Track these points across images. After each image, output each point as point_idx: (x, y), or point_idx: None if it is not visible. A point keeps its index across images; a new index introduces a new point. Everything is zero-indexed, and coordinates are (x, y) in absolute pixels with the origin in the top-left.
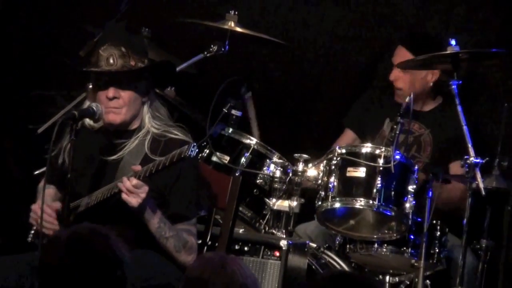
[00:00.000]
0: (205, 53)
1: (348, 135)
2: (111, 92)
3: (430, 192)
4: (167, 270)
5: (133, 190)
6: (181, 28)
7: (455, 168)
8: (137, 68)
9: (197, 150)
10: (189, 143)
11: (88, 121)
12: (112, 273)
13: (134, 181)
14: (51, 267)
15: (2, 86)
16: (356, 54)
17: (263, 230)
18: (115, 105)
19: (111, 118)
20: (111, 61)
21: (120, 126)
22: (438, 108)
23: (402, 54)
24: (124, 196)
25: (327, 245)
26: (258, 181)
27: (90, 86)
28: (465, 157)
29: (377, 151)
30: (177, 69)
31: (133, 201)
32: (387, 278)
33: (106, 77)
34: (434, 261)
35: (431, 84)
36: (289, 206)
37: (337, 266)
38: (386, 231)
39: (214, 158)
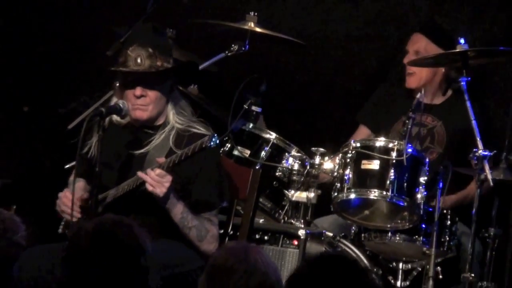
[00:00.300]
0: (227, 52)
1: (363, 131)
2: (138, 91)
3: (441, 183)
4: (190, 258)
5: (157, 180)
6: (204, 28)
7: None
8: (164, 69)
9: (217, 141)
10: (209, 136)
11: (115, 117)
12: (135, 261)
13: (158, 171)
14: (78, 256)
15: (32, 84)
16: (369, 52)
17: (282, 220)
18: (142, 103)
19: (138, 115)
20: (139, 61)
21: (147, 122)
22: (449, 101)
23: (418, 40)
24: (149, 187)
25: (343, 234)
26: (277, 174)
27: (117, 84)
28: (474, 149)
29: (390, 145)
30: (200, 67)
31: (158, 191)
32: (400, 265)
33: (134, 76)
34: (445, 249)
35: (443, 71)
36: (307, 197)
37: (353, 254)
38: (399, 221)
39: (236, 152)
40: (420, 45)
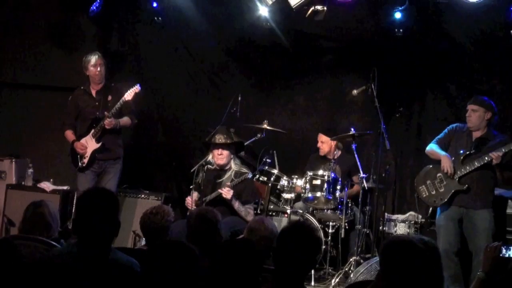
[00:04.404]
0: (256, 137)
1: (307, 172)
2: (220, 151)
3: (346, 188)
4: (241, 223)
5: (227, 192)
6: (248, 128)
7: (355, 178)
8: (230, 142)
9: (251, 175)
10: (248, 173)
11: (209, 166)
12: (215, 226)
13: (227, 188)
14: (190, 224)
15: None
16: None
17: (281, 206)
18: (222, 157)
19: (220, 162)
20: (222, 139)
21: (222, 166)
22: (342, 154)
23: (321, 136)
24: (223, 195)
25: (306, 210)
26: (278, 187)
27: (210, 149)
28: (359, 174)
29: (325, 173)
30: (245, 143)
31: (228, 196)
32: (331, 223)
33: (219, 145)
34: (348, 216)
35: (333, 144)
36: (290, 197)
37: (311, 220)
38: (329, 205)
39: (261, 178)
40: (324, 138)
